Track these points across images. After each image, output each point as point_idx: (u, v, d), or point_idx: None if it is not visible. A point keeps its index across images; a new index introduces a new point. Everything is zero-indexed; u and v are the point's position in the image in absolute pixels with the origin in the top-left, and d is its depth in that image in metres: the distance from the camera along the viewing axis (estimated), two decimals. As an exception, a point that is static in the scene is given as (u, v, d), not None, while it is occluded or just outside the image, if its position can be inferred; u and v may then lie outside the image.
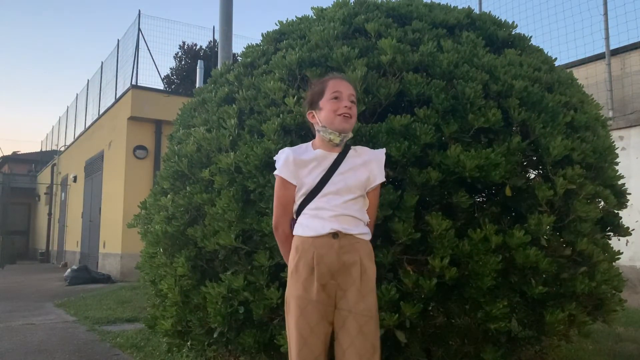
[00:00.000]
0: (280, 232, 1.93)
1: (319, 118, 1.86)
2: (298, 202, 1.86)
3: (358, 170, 1.84)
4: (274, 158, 1.95)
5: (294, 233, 1.86)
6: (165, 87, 14.61)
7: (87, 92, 15.33)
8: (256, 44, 3.34)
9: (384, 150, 1.95)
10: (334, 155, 1.85)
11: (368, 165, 1.86)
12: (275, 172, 1.89)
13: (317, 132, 1.90)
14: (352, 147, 1.92)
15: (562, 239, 2.51)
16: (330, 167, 1.83)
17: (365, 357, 1.70)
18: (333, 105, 1.83)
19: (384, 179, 1.89)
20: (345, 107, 1.82)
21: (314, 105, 1.89)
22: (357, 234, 1.79)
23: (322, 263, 1.74)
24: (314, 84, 1.98)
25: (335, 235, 1.76)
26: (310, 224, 1.80)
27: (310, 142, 1.93)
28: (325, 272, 1.74)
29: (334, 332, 1.76)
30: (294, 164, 1.85)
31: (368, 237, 1.84)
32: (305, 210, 1.83)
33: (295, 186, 1.85)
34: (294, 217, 1.89)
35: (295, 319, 1.75)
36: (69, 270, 9.58)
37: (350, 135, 1.89)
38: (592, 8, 6.39)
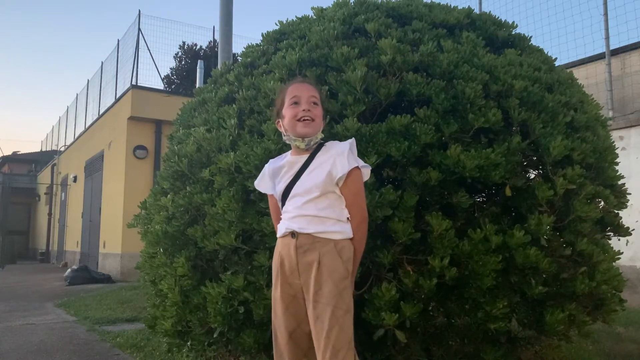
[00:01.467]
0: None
1: (284, 126, 1.89)
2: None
3: (319, 168, 1.82)
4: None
5: None
6: (165, 87, 14.61)
7: (87, 92, 15.34)
8: (256, 44, 3.34)
9: (349, 140, 1.88)
10: (304, 158, 1.86)
11: (330, 160, 1.82)
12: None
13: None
14: (324, 144, 1.89)
15: (562, 239, 2.51)
16: (298, 171, 1.85)
17: (320, 344, 1.70)
18: (292, 111, 1.84)
19: (345, 171, 1.78)
20: (304, 110, 1.82)
21: (279, 114, 1.93)
22: (315, 232, 1.76)
23: (284, 261, 1.81)
24: (279, 93, 2.00)
25: (293, 234, 1.79)
26: (279, 227, 1.89)
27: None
28: (287, 270, 1.80)
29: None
30: (268, 176, 1.96)
31: (338, 235, 1.78)
32: (282, 214, 1.90)
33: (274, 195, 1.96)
34: None
35: (273, 315, 1.87)
36: (69, 270, 9.58)
37: (319, 136, 1.87)
38: (592, 8, 6.39)
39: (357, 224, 1.83)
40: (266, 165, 2.00)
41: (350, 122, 2.36)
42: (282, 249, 1.83)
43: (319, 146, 1.88)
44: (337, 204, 1.81)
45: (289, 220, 1.83)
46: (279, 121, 1.93)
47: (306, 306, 1.78)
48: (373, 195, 2.24)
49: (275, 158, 2.01)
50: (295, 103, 1.84)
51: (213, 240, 2.54)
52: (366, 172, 1.88)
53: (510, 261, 2.31)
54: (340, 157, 1.80)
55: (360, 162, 1.85)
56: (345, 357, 1.67)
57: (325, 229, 1.77)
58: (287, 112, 1.86)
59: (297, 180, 1.84)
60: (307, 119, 1.82)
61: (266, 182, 1.96)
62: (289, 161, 1.91)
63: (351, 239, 1.82)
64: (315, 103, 1.85)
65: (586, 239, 2.45)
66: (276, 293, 1.84)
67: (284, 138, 1.92)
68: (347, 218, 1.82)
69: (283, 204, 1.88)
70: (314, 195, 1.79)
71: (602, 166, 2.73)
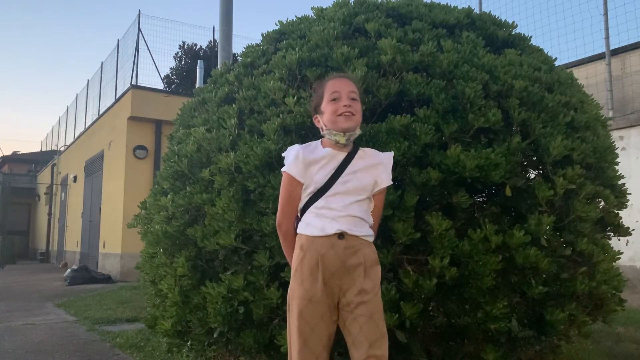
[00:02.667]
0: (283, 229, 1.90)
1: (323, 122, 1.86)
2: (304, 200, 1.84)
3: (365, 172, 1.84)
4: (283, 155, 1.92)
5: (298, 231, 1.83)
6: (165, 87, 14.61)
7: (87, 92, 15.34)
8: (256, 44, 3.34)
9: (391, 153, 1.95)
10: (343, 155, 1.84)
11: (376, 168, 1.86)
12: (284, 169, 1.87)
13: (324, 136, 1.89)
14: (360, 148, 1.90)
15: (562, 239, 2.51)
16: (339, 167, 1.82)
17: (369, 354, 1.68)
18: (333, 106, 1.81)
19: (390, 182, 1.88)
20: (345, 105, 1.80)
21: (317, 109, 1.90)
22: (362, 235, 1.78)
23: (325, 263, 1.73)
24: (316, 88, 1.97)
25: (341, 235, 1.75)
26: (316, 223, 1.78)
27: (319, 141, 1.91)
28: (328, 272, 1.73)
29: (341, 330, 1.77)
30: (303, 162, 1.82)
31: (372, 238, 1.83)
32: (311, 209, 1.81)
33: (302, 184, 1.83)
34: (299, 215, 1.87)
35: (296, 318, 1.73)
36: (69, 270, 9.58)
37: (358, 132, 1.86)
38: (592, 8, 6.40)
39: (375, 230, 1.91)
40: (298, 149, 1.86)
41: (350, 122, 2.35)
42: (325, 249, 1.74)
43: (355, 148, 1.88)
44: (370, 208, 1.87)
45: (334, 219, 1.76)
46: (317, 117, 1.90)
47: (340, 305, 1.75)
48: (373, 195, 2.24)
49: (305, 145, 1.90)
50: (335, 99, 1.82)
51: (213, 240, 2.54)
52: None
53: (510, 261, 2.31)
54: (386, 169, 1.88)
55: None
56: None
57: (367, 232, 1.81)
58: (327, 107, 1.83)
59: (337, 176, 1.80)
60: (348, 114, 1.80)
61: (300, 168, 1.82)
62: (327, 154, 1.84)
63: None
64: (354, 98, 1.84)
65: (586, 239, 2.45)
66: (310, 294, 1.73)
67: (324, 133, 1.86)
68: (371, 224, 1.87)
69: (317, 198, 1.80)
70: (361, 197, 1.81)
71: (602, 166, 2.73)
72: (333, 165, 1.82)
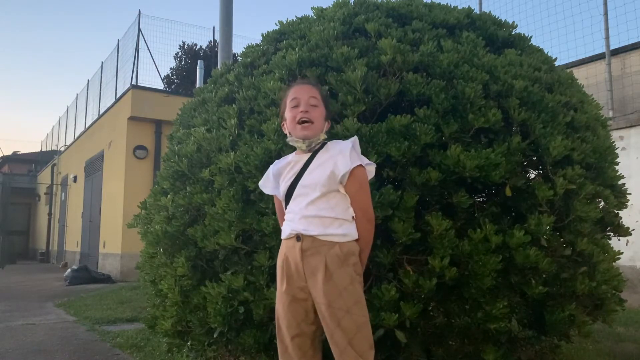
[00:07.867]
0: None
1: (287, 128, 1.90)
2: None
3: (322, 167, 1.80)
4: None
5: None
6: (165, 87, 14.62)
7: (87, 92, 15.35)
8: (256, 44, 3.34)
9: (352, 139, 1.86)
10: (306, 157, 1.87)
11: (333, 158, 1.81)
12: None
13: None
14: (327, 143, 1.89)
15: (562, 239, 2.51)
16: (301, 170, 1.85)
17: (339, 351, 1.70)
18: (292, 113, 1.85)
19: (349, 167, 1.75)
20: (302, 112, 1.82)
21: (283, 116, 1.95)
22: (319, 234, 1.74)
23: (290, 263, 1.79)
24: (281, 94, 2.02)
25: (298, 237, 1.77)
26: (283, 228, 1.87)
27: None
28: (293, 272, 1.78)
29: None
30: (272, 177, 1.95)
31: (342, 238, 1.75)
32: (285, 215, 1.89)
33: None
34: None
35: (276, 310, 1.86)
36: (69, 270, 9.58)
37: (321, 137, 1.87)
38: (592, 8, 6.40)
39: (361, 224, 1.80)
40: (270, 166, 2.00)
41: (350, 122, 2.36)
42: (288, 251, 1.81)
43: (322, 145, 1.88)
44: (342, 203, 1.78)
45: (294, 222, 1.80)
46: (283, 123, 1.94)
47: (315, 308, 1.76)
48: (373, 195, 2.24)
49: (281, 158, 2.01)
50: (295, 105, 1.85)
51: (213, 240, 2.54)
52: (371, 170, 1.86)
53: (510, 261, 2.31)
54: (342, 155, 1.78)
55: (365, 160, 1.82)
56: None
57: (328, 232, 1.74)
58: (288, 114, 1.88)
59: (299, 179, 1.83)
60: (306, 121, 1.82)
61: (270, 183, 1.97)
62: (290, 161, 1.91)
63: (357, 240, 1.79)
64: (314, 105, 1.85)
65: (586, 239, 2.45)
66: (280, 293, 1.83)
67: (288, 139, 1.91)
68: (353, 217, 1.79)
69: (287, 204, 1.87)
70: (316, 195, 1.77)
71: (602, 166, 2.73)
72: (295, 170, 1.86)
